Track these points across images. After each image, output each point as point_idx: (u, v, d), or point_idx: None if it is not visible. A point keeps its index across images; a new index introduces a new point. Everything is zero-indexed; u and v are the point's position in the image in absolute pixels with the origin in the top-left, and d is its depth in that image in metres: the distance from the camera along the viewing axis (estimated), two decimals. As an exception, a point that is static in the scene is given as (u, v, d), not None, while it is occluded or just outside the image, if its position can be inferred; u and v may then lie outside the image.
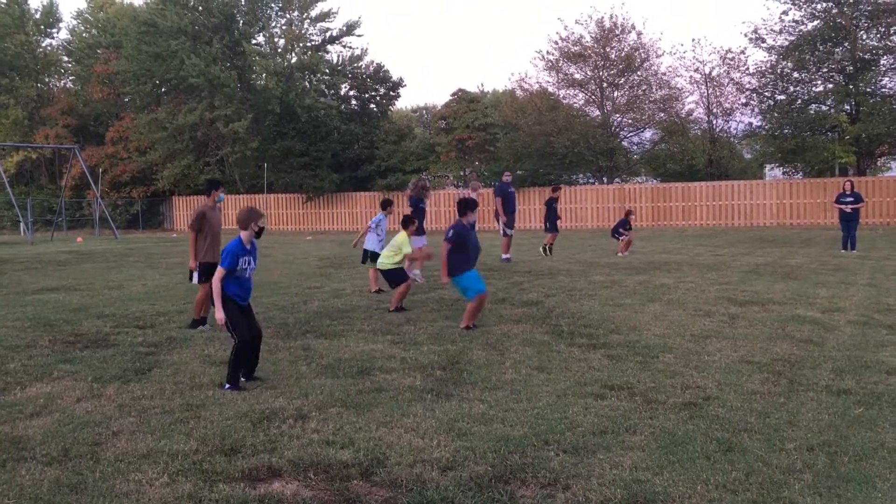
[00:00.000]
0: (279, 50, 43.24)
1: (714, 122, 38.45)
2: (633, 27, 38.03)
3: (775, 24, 34.66)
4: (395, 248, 10.06)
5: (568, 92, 40.10)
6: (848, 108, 34.13)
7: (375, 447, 4.51)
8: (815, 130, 34.72)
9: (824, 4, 33.52)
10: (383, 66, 43.90)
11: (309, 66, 41.78)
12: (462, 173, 41.90)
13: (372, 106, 45.01)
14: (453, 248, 8.41)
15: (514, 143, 38.63)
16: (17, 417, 5.24)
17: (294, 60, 42.49)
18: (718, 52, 40.15)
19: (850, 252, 17.13)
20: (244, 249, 6.08)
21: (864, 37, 33.66)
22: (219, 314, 5.94)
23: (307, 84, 42.31)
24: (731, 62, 36.48)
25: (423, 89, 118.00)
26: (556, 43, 39.04)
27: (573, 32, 38.93)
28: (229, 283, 6.02)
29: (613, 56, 37.96)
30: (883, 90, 33.41)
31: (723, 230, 30.34)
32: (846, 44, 33.21)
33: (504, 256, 16.47)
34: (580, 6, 62.98)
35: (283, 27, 43.65)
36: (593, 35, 38.06)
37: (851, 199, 17.73)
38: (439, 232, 21.16)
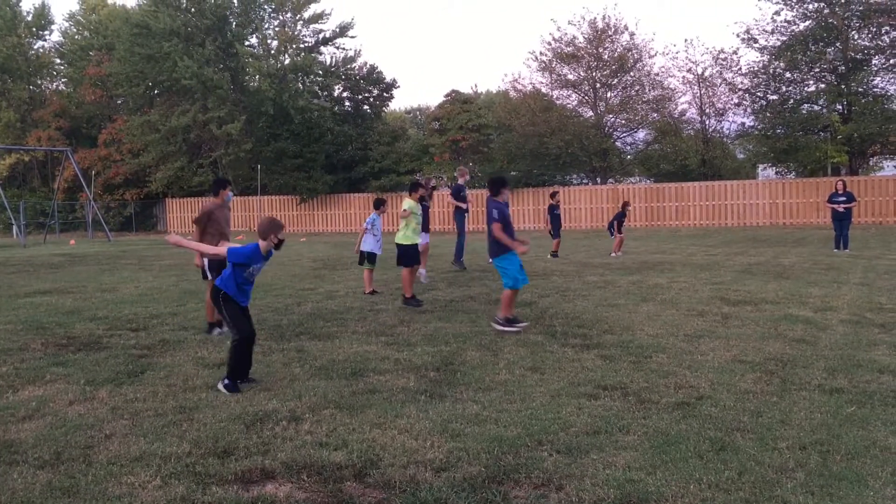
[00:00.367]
0: (272, 51, 43.18)
1: (707, 122, 38.60)
2: (626, 28, 38.23)
3: (767, 24, 34.85)
4: (406, 214, 10.66)
5: (561, 93, 40.23)
6: (840, 107, 34.26)
7: (369, 448, 4.51)
8: (807, 130, 34.84)
9: (816, 5, 33.65)
10: (377, 68, 43.94)
11: (302, 68, 41.73)
12: (455, 175, 41.90)
13: (365, 107, 44.99)
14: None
15: (508, 144, 38.68)
16: (9, 421, 5.22)
17: (287, 62, 42.43)
18: (711, 52, 40.49)
19: (843, 251, 17.19)
20: (259, 257, 6.00)
21: (856, 37, 33.80)
22: (175, 239, 6.25)
23: (300, 85, 42.25)
24: (724, 62, 36.62)
25: (416, 90, 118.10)
26: (550, 44, 39.17)
27: (566, 33, 39.12)
28: (231, 284, 6.00)
29: (606, 57, 38.05)
30: (875, 90, 33.56)
31: (716, 230, 30.43)
32: (838, 44, 33.36)
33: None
34: (573, 7, 63.10)
35: (276, 29, 43.59)
36: (586, 36, 38.17)
37: (844, 198, 17.79)
38: (436, 233, 21.64)
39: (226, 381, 5.90)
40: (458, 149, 38.25)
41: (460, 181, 16.44)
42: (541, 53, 39.62)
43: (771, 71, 35.00)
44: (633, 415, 5.07)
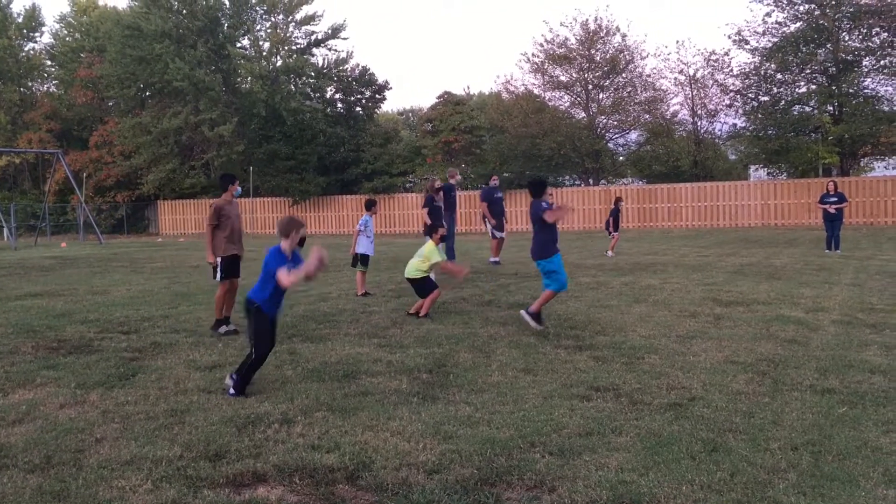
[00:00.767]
0: (264, 53, 43.11)
1: (699, 123, 38.73)
2: (618, 29, 38.26)
3: (758, 25, 35.00)
4: (423, 258, 9.62)
5: (553, 94, 40.30)
6: (831, 108, 34.41)
7: (361, 451, 4.50)
8: (798, 131, 34.98)
9: (807, 6, 33.80)
10: (369, 69, 43.93)
11: (294, 70, 41.69)
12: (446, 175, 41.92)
13: (358, 109, 44.95)
14: (545, 227, 8.26)
15: (500, 146, 38.71)
16: (-2, 425, 5.19)
17: (279, 64, 42.39)
18: (702, 53, 40.66)
19: (834, 252, 17.26)
20: (283, 258, 5.86)
21: (847, 38, 33.96)
22: (289, 279, 5.65)
23: (292, 87, 42.21)
24: (716, 64, 36.76)
25: (408, 92, 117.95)
26: (542, 45, 39.25)
27: (558, 35, 39.17)
28: (273, 295, 5.83)
29: (598, 58, 38.14)
30: (865, 91, 33.71)
31: (708, 231, 30.51)
32: (829, 45, 33.51)
33: (492, 259, 16.49)
34: (565, 8, 63.22)
35: (268, 30, 43.54)
36: (578, 37, 38.24)
37: (835, 199, 17.87)
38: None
39: (231, 392, 5.81)
40: (451, 150, 38.26)
41: (451, 181, 16.49)
42: (533, 55, 39.76)
43: (762, 72, 35.14)
44: (626, 416, 5.07)
